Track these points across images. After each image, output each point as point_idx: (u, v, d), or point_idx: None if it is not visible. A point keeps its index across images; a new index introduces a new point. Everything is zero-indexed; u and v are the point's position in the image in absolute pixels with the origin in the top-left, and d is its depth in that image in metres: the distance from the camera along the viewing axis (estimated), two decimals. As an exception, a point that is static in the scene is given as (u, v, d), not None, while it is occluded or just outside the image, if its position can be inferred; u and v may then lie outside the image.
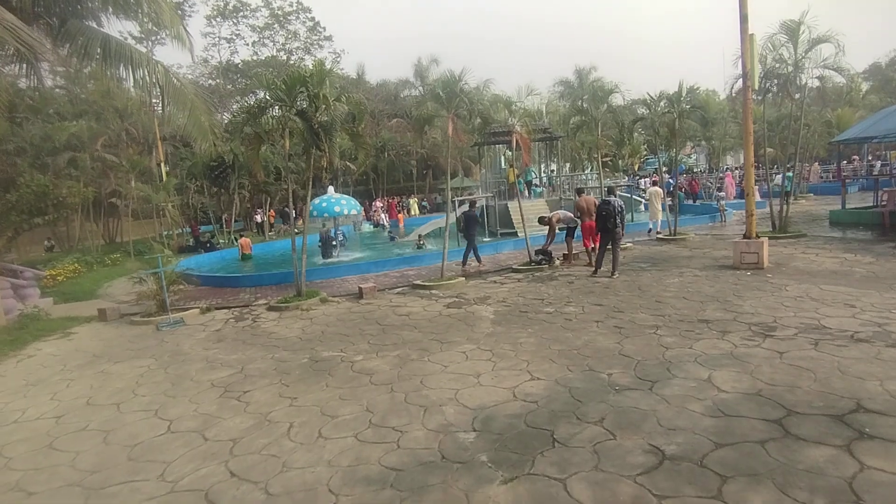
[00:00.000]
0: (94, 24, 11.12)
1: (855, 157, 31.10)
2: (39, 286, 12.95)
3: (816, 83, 14.84)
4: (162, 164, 23.08)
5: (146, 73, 10.58)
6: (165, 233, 24.87)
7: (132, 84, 11.18)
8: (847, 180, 22.52)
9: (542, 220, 12.65)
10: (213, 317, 10.00)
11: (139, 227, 25.89)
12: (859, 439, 3.62)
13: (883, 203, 14.51)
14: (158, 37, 32.53)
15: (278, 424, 4.90)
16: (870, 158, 30.41)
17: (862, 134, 16.57)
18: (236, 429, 4.89)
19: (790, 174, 16.64)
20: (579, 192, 13.06)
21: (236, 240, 21.69)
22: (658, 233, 15.88)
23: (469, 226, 13.05)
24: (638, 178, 37.75)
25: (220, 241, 24.79)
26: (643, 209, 23.11)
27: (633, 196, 23.25)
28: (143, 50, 28.60)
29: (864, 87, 42.03)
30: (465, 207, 22.00)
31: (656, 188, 16.92)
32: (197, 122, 11.98)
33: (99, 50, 10.25)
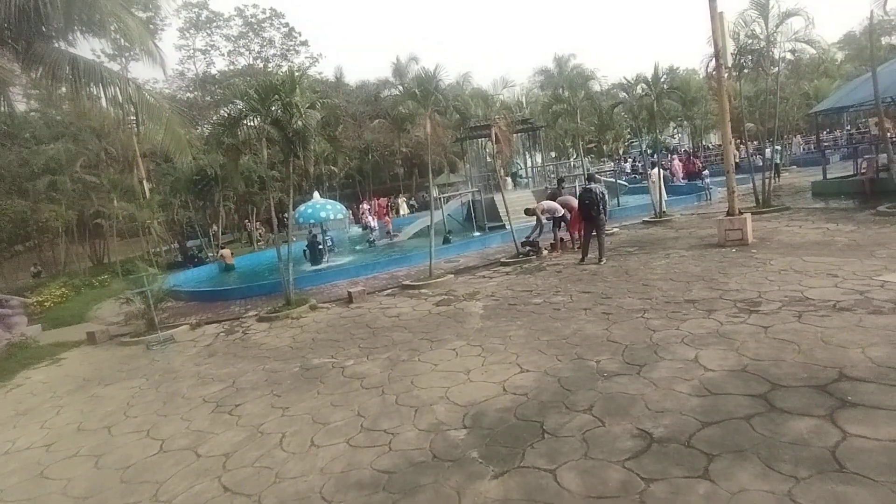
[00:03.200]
0: (65, 45, 10.98)
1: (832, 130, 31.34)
2: (26, 313, 12.82)
3: (790, 56, 14.98)
4: (144, 182, 22.85)
5: (118, 92, 10.45)
6: (154, 250, 24.68)
7: (104, 103, 11.05)
8: (827, 150, 22.73)
9: (528, 212, 12.69)
10: (204, 332, 9.95)
11: (126, 246, 25.65)
12: (842, 408, 3.66)
13: (863, 171, 14.65)
14: (132, 53, 32.17)
15: (270, 435, 4.89)
16: (848, 127, 30.68)
17: (838, 104, 16.72)
18: (229, 443, 4.88)
19: (778, 147, 16.76)
20: (552, 193, 13.38)
21: (224, 253, 21.56)
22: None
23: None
24: (623, 161, 37.91)
25: (209, 254, 24.64)
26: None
27: (618, 181, 23.29)
28: (117, 67, 28.28)
29: (840, 56, 42.38)
30: (456, 204, 22.08)
31: (655, 170, 16.83)
32: (175, 137, 11.86)
33: (68, 70, 10.11)
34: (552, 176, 24.02)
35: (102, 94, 10.52)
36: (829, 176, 16.46)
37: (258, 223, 29.15)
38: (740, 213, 10.42)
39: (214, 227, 28.60)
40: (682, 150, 42.28)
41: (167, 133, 11.46)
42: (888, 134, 13.95)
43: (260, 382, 6.48)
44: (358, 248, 20.15)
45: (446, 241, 17.28)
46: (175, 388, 6.84)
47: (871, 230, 9.38)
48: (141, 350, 9.24)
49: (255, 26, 41.58)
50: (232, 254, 20.31)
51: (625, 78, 16.23)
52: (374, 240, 21.59)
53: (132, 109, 11.69)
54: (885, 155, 12.22)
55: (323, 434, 4.72)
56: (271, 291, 12.65)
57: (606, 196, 10.83)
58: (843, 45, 52.95)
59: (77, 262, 23.92)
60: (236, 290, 14.16)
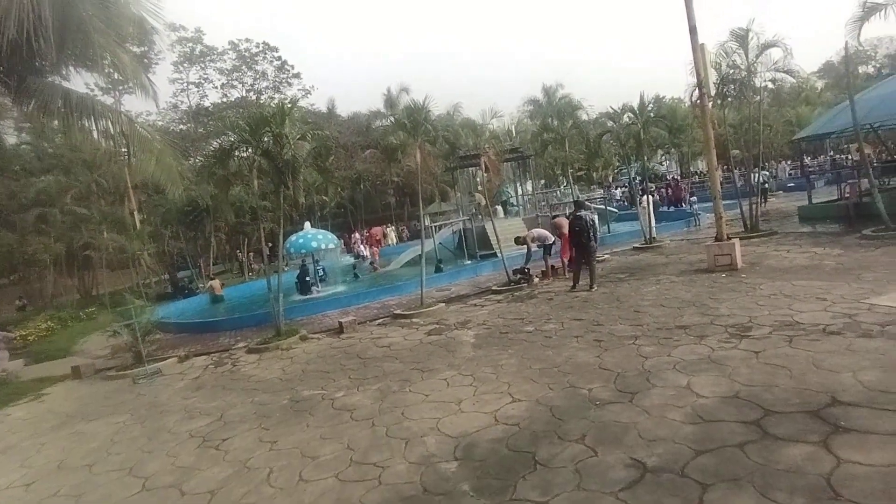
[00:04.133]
0: (58, 79, 11.10)
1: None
2: (9, 348, 12.58)
3: (771, 85, 15.42)
4: (135, 213, 22.86)
5: (110, 125, 10.54)
6: (144, 281, 24.48)
7: (96, 135, 11.11)
8: (812, 175, 23.16)
9: (518, 241, 12.76)
10: (192, 364, 9.79)
11: (116, 277, 25.43)
12: (835, 433, 3.63)
13: (847, 196, 14.93)
14: (126, 86, 32.52)
15: (258, 471, 4.77)
16: (831, 153, 31.37)
17: (820, 130, 17.14)
18: (214, 479, 4.74)
19: (766, 173, 17.09)
20: (555, 216, 13.58)
21: (215, 283, 21.39)
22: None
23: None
24: (613, 188, 38.42)
25: (200, 285, 24.46)
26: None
27: (608, 208, 23.51)
28: (111, 100, 28.53)
29: (820, 84, 43.66)
30: (447, 233, 22.17)
31: (645, 196, 16.91)
32: (166, 169, 11.92)
33: (61, 103, 10.19)
34: (542, 203, 24.26)
35: (94, 127, 10.60)
36: (814, 200, 16.75)
37: (251, 253, 29.05)
38: (729, 238, 10.52)
39: (201, 259, 28.46)
40: (671, 176, 42.85)
41: (159, 165, 11.52)
42: (869, 159, 14.24)
43: (248, 416, 6.35)
44: (342, 279, 19.76)
45: (438, 269, 17.26)
46: (161, 422, 6.68)
47: (857, 254, 9.49)
48: (127, 384, 9.06)
49: (249, 60, 42.27)
50: (222, 284, 20.17)
51: (612, 107, 16.59)
52: (357, 274, 20.88)
53: (124, 142, 11.77)
54: (867, 180, 12.46)
55: (311, 468, 4.61)
56: (261, 322, 12.51)
57: (597, 223, 10.92)
58: (822, 73, 54.64)
59: (65, 295, 23.63)
60: (226, 321, 14.00)
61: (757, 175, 17.48)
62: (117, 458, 5.73)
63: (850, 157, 28.65)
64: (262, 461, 4.95)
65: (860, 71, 46.69)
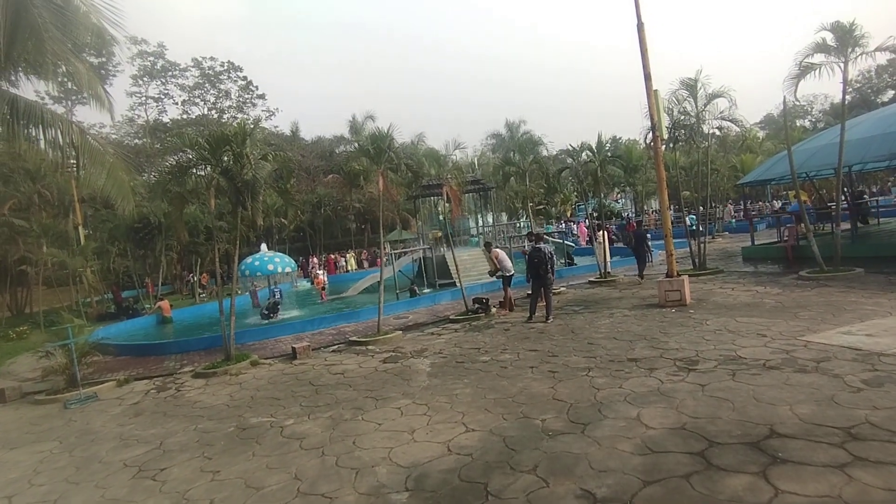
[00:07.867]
0: (6, 85, 10.62)
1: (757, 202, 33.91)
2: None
3: (717, 132, 16.38)
4: (80, 227, 21.82)
5: (59, 134, 10.11)
6: (84, 300, 23.19)
7: (44, 145, 10.64)
8: (755, 219, 24.51)
9: (491, 273, 13.05)
10: (132, 389, 9.28)
11: (53, 295, 24.01)
12: (773, 464, 3.77)
13: (785, 238, 15.85)
14: (80, 97, 31.46)
15: (198, 502, 4.52)
16: (772, 200, 33.32)
17: (761, 177, 18.25)
18: (148, 513, 4.46)
19: (692, 216, 18.04)
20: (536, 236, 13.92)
21: (163, 304, 20.48)
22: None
23: (639, 243, 14.97)
24: (573, 223, 39.47)
25: (147, 305, 23.38)
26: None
27: (566, 242, 24.08)
28: (62, 110, 27.51)
29: (761, 135, 46.69)
30: (407, 261, 22.10)
31: (601, 232, 17.26)
32: (117, 184, 11.47)
33: (7, 109, 9.73)
34: (501, 235, 24.63)
35: (42, 136, 10.14)
36: (756, 242, 17.68)
37: (205, 274, 28.05)
38: (679, 275, 10.93)
39: (149, 279, 27.28)
40: (625, 214, 44.46)
41: (110, 178, 11.07)
42: (805, 206, 15.19)
43: (190, 444, 6.04)
44: (313, 301, 19.35)
45: (412, 293, 17.14)
46: (92, 451, 6.27)
47: (794, 293, 10.03)
48: (57, 409, 8.48)
49: (212, 77, 41.78)
50: (171, 306, 19.37)
51: (570, 145, 17.16)
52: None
53: (73, 153, 11.30)
54: (803, 225, 13.28)
55: (256, 500, 4.40)
56: (211, 346, 12.05)
57: (554, 256, 11.14)
58: (763, 125, 58.54)
59: (-7, 312, 22.10)
60: (172, 343, 13.38)
61: (706, 216, 18.30)
62: (40, 489, 5.32)
63: (789, 202, 30.49)
64: (203, 492, 4.70)
65: (798, 124, 50.26)
